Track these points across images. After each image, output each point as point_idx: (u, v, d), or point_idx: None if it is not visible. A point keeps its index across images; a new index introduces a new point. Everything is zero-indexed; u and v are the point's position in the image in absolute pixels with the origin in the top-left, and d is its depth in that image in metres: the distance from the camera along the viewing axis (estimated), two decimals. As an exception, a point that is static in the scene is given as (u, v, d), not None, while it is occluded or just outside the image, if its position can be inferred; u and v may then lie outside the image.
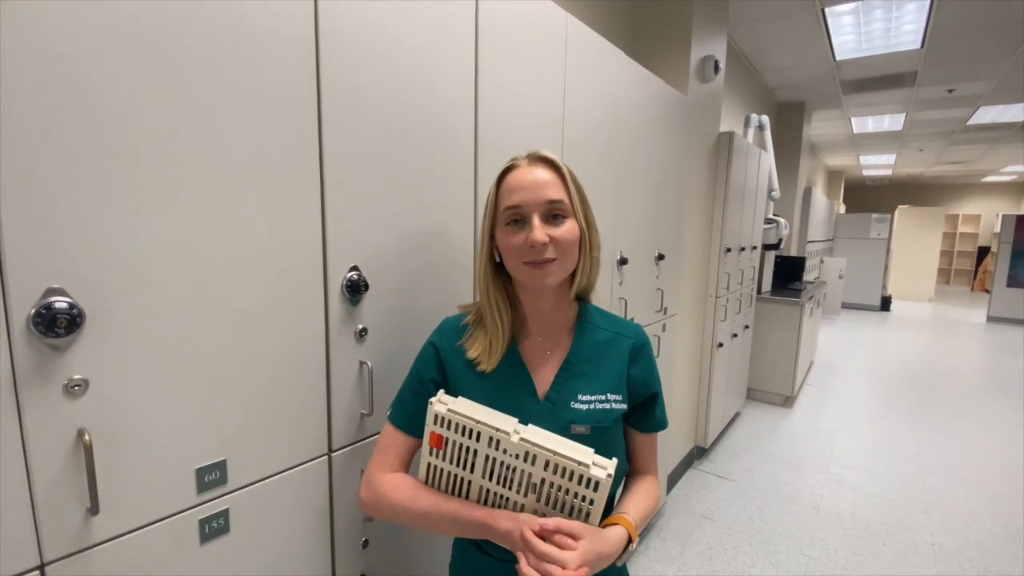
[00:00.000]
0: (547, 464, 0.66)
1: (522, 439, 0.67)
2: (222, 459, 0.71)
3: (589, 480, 0.65)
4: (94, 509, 0.58)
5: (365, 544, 0.92)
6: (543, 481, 0.68)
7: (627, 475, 0.87)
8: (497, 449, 0.68)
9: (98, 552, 0.61)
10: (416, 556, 1.03)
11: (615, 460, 0.67)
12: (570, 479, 0.66)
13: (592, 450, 0.67)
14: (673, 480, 2.73)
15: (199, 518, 0.70)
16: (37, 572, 0.57)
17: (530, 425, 0.69)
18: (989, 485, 2.84)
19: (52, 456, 0.56)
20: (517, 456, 0.67)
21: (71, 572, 0.59)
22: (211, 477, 0.70)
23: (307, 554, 0.84)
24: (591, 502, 0.67)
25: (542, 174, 0.75)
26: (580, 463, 0.65)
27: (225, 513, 0.72)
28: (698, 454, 3.07)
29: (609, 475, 0.65)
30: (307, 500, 0.83)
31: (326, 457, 0.85)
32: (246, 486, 0.75)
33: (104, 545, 0.61)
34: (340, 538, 0.88)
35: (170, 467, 0.66)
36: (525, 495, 0.69)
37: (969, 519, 2.50)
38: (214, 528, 0.71)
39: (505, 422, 0.68)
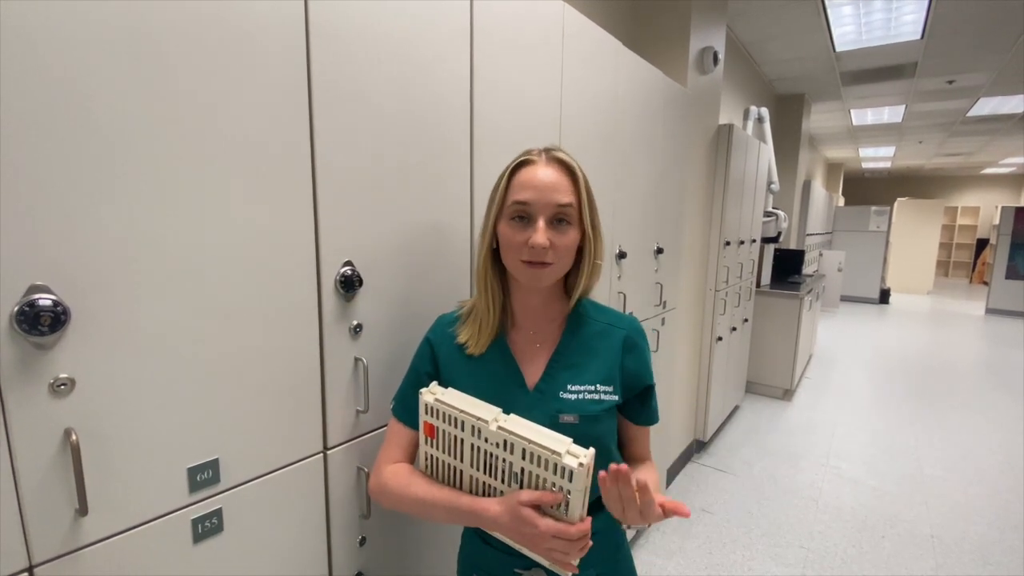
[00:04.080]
0: (524, 453, 0.67)
1: (500, 427, 0.68)
2: (214, 458, 0.70)
3: (563, 469, 0.64)
4: (83, 510, 0.57)
5: (362, 542, 0.92)
6: (523, 470, 0.68)
7: (626, 462, 0.87)
8: (479, 438, 0.70)
9: (88, 553, 0.60)
10: (413, 554, 1.03)
11: (592, 450, 0.65)
12: (546, 468, 0.66)
13: (571, 440, 0.66)
14: (672, 474, 2.73)
15: (192, 518, 0.68)
16: (26, 574, 0.56)
17: (512, 415, 0.70)
18: (988, 477, 2.85)
19: (38, 456, 0.55)
20: (498, 445, 0.69)
21: (61, 574, 0.58)
22: (203, 476, 0.69)
23: (303, 553, 0.83)
24: (568, 492, 0.66)
25: (556, 176, 0.74)
26: (553, 451, 0.65)
27: (218, 512, 0.71)
28: (697, 448, 3.07)
29: (582, 464, 0.63)
30: (303, 498, 0.82)
31: (321, 455, 0.84)
32: (240, 485, 0.74)
33: (94, 546, 0.60)
34: (336, 536, 0.88)
35: (161, 466, 0.65)
36: (509, 485, 0.70)
37: (968, 511, 2.51)
38: (207, 528, 0.70)
39: (487, 411, 0.70)
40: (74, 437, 0.56)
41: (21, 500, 0.54)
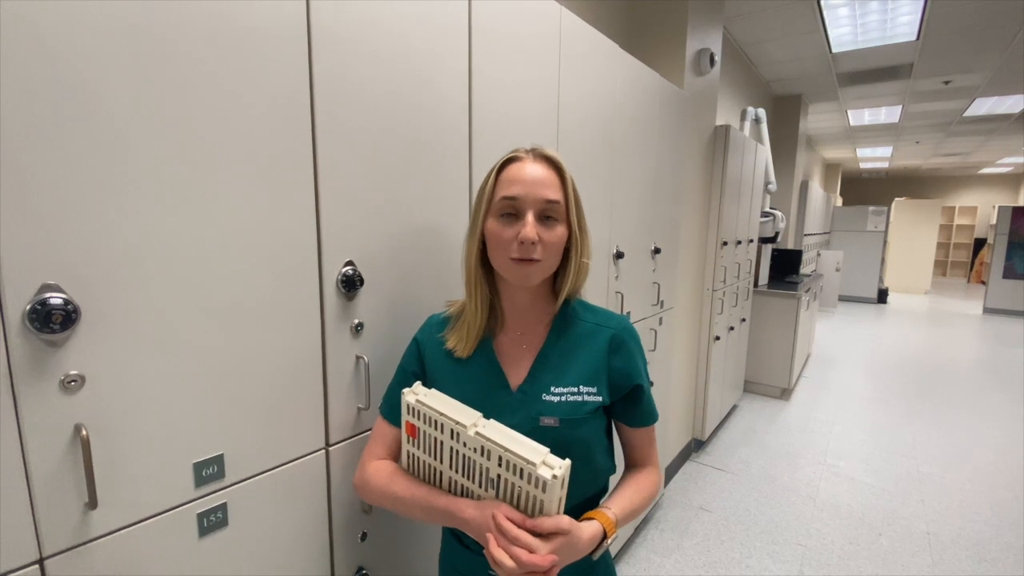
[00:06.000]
0: (500, 460, 0.66)
1: (477, 433, 0.66)
2: (219, 453, 0.72)
3: (537, 479, 0.64)
4: (92, 504, 0.59)
5: (363, 537, 0.93)
6: (499, 477, 0.67)
7: (625, 468, 0.87)
8: (458, 442, 0.69)
9: (97, 546, 0.61)
10: (413, 549, 1.04)
11: (567, 462, 0.64)
12: (520, 476, 0.65)
13: (548, 450, 0.65)
14: (671, 472, 2.74)
15: (197, 512, 0.70)
16: (36, 567, 0.57)
17: (492, 420, 0.69)
18: (984, 475, 2.87)
19: (49, 451, 0.57)
20: (475, 450, 0.68)
21: (70, 566, 0.59)
22: (209, 471, 0.71)
23: (305, 547, 0.85)
24: (541, 502, 0.65)
25: (543, 172, 0.75)
26: (528, 461, 0.64)
27: (223, 507, 0.73)
28: (696, 447, 3.08)
29: (555, 476, 0.62)
30: (305, 494, 0.84)
31: (323, 451, 0.86)
32: (244, 480, 0.75)
33: (103, 539, 0.62)
34: (338, 531, 0.89)
35: (168, 461, 0.66)
36: (485, 489, 0.69)
37: (964, 509, 2.53)
38: (212, 522, 0.72)
39: (467, 416, 0.69)
40: (84, 432, 0.57)
41: (32, 494, 0.56)
